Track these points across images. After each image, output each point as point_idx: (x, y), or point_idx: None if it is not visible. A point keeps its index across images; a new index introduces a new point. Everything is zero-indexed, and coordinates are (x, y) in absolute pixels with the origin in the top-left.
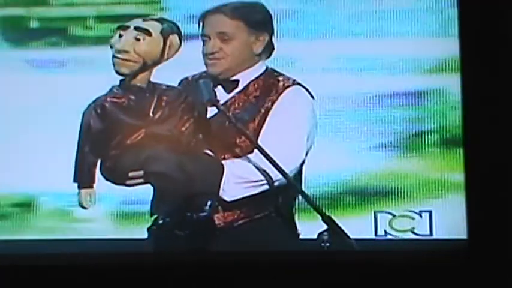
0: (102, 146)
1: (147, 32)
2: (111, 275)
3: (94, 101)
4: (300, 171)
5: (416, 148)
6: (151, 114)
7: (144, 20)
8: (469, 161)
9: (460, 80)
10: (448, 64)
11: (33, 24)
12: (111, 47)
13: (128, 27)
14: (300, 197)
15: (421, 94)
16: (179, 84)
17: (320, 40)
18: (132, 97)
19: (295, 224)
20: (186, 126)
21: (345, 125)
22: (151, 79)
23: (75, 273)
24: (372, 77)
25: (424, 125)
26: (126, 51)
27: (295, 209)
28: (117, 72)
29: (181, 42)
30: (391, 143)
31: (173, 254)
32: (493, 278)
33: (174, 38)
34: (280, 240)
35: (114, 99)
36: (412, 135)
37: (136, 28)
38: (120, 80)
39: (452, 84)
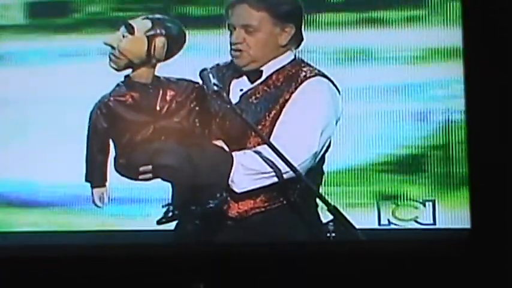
0: (111, 144)
1: (131, 30)
2: (119, 266)
3: (99, 101)
4: (318, 165)
5: (420, 138)
6: (157, 109)
7: (143, 18)
8: (473, 152)
9: (463, 71)
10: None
11: None
12: None
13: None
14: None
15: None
16: (199, 75)
17: None
18: (135, 94)
19: (317, 213)
20: (195, 118)
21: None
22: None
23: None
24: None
25: (429, 116)
26: (113, 47)
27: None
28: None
29: (169, 45)
30: (394, 134)
31: (184, 245)
32: (495, 267)
33: (159, 40)
34: (296, 230)
35: (118, 98)
36: (417, 126)
37: (125, 25)
38: (125, 77)
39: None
